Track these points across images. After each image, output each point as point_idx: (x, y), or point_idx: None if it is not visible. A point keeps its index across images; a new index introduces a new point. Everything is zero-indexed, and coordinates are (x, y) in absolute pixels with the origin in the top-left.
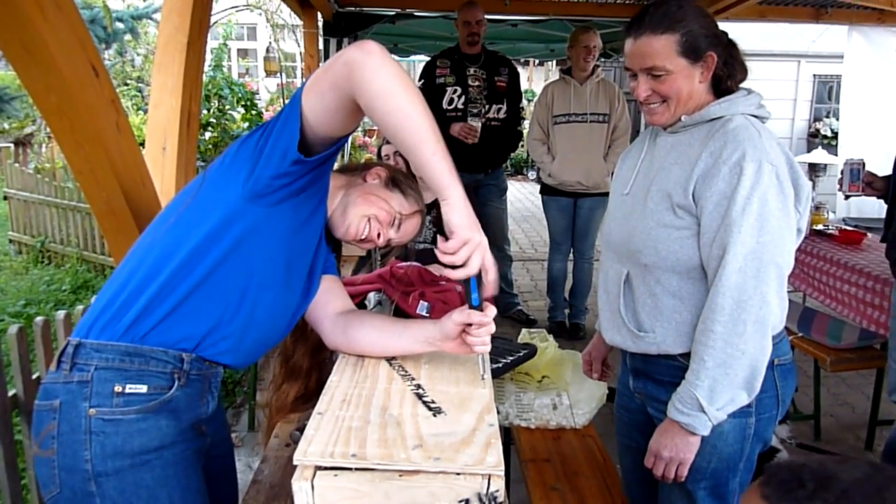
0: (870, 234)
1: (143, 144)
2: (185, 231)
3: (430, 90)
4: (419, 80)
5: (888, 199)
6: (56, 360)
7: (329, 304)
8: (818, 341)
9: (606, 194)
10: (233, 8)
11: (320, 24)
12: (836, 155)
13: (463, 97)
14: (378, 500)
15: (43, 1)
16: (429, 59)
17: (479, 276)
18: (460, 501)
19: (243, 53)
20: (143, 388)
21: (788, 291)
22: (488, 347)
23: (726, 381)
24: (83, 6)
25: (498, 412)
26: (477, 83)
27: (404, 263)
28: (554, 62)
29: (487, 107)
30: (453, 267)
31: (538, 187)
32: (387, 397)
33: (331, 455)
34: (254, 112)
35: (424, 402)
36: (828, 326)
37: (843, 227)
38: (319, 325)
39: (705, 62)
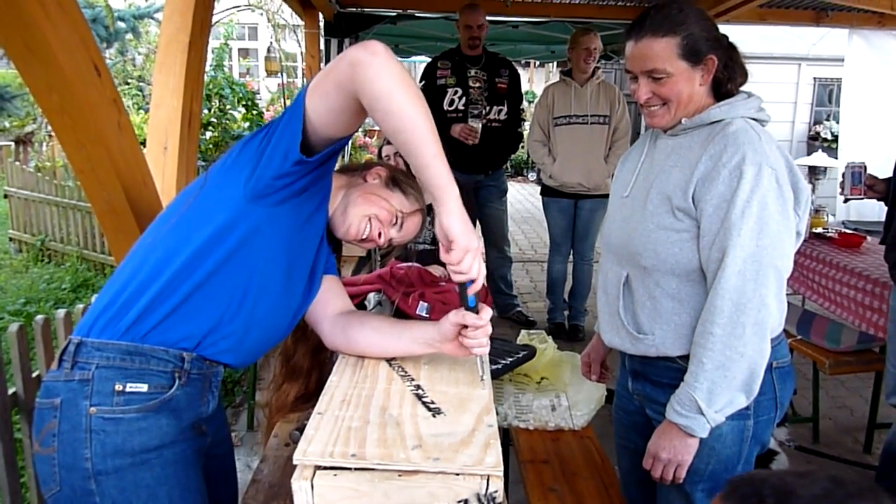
0: (869, 238)
1: (144, 144)
2: (187, 231)
3: (431, 91)
4: (420, 81)
5: (888, 201)
6: (57, 358)
7: (329, 304)
8: (817, 344)
9: (607, 196)
10: (234, 8)
11: (321, 24)
12: (837, 158)
13: (464, 98)
14: (377, 499)
15: (46, 0)
16: (430, 60)
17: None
18: (459, 501)
19: (244, 53)
20: (144, 387)
21: (788, 294)
22: (486, 350)
23: (725, 383)
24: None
25: (497, 413)
26: (478, 84)
27: (404, 264)
28: (555, 64)
29: (488, 108)
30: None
31: (538, 188)
32: (386, 398)
33: (330, 455)
34: (254, 112)
35: (424, 403)
36: (827, 329)
37: (843, 230)
38: (319, 326)
39: (706, 65)
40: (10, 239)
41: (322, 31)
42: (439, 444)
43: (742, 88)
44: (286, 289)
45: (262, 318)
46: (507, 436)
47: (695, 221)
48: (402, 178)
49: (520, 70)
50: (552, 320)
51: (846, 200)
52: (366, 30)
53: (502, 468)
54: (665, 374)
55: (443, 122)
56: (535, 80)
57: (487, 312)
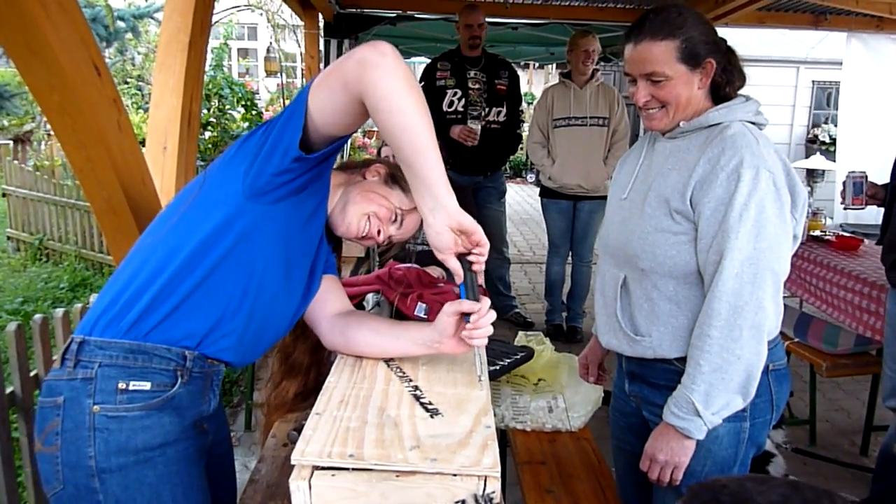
0: (867, 241)
1: (143, 143)
2: (187, 230)
3: (431, 92)
4: (419, 83)
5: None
6: (59, 357)
7: (328, 304)
8: (814, 347)
9: (606, 198)
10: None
11: (321, 25)
12: (835, 161)
13: (463, 100)
14: (375, 500)
15: (46, 0)
16: (429, 61)
17: (467, 275)
18: (457, 502)
19: (244, 53)
20: (147, 386)
21: (785, 297)
22: (485, 338)
23: (722, 385)
24: (85, 5)
25: (494, 414)
26: (477, 86)
27: (403, 265)
28: (554, 65)
29: (487, 109)
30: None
31: (537, 190)
32: (384, 398)
33: (328, 455)
34: (254, 112)
35: (422, 404)
36: (824, 332)
37: (841, 233)
38: (318, 326)
39: (704, 68)
40: (9, 238)
41: (322, 32)
42: (437, 445)
43: (740, 92)
44: (286, 287)
45: (262, 316)
46: (505, 437)
47: (692, 224)
48: (401, 175)
49: (519, 72)
50: (550, 322)
51: (846, 209)
52: (365, 31)
53: (500, 469)
54: (662, 376)
55: (442, 123)
56: (535, 82)
57: (487, 301)
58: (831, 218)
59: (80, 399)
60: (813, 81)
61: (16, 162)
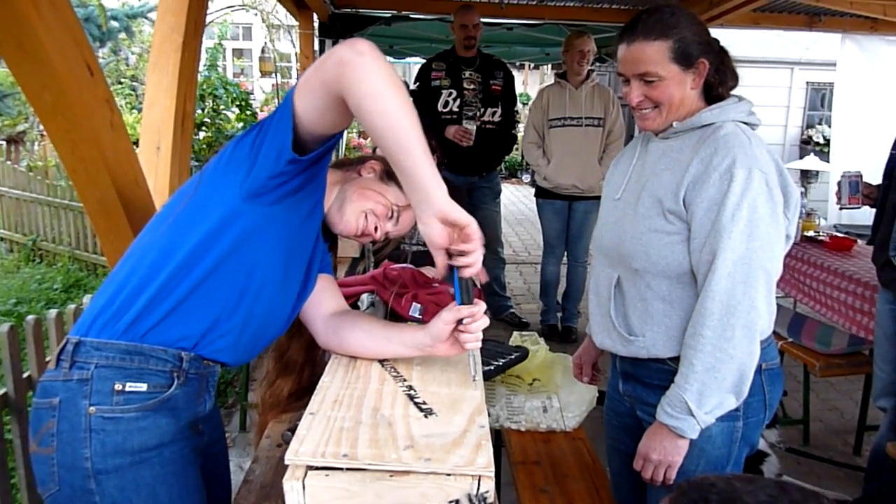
0: (860, 241)
1: (137, 143)
2: (183, 231)
3: (426, 93)
4: (414, 83)
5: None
6: (55, 358)
7: (323, 304)
8: (808, 347)
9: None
10: (228, 7)
11: (316, 25)
12: (829, 162)
13: (458, 100)
14: (369, 500)
15: None
16: (424, 61)
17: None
18: (450, 502)
19: (238, 53)
20: (143, 387)
21: (779, 297)
22: (479, 343)
23: (715, 384)
24: (78, 4)
25: (488, 414)
26: (472, 86)
27: (398, 265)
28: (549, 66)
29: (482, 110)
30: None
31: (532, 190)
32: (378, 398)
33: (322, 455)
34: (248, 112)
35: (416, 403)
36: (817, 332)
37: (834, 233)
38: (312, 325)
39: (697, 69)
40: (2, 239)
41: (317, 32)
42: (431, 445)
43: (734, 92)
44: (283, 287)
45: (259, 316)
46: (499, 437)
47: (686, 224)
48: None
49: (514, 72)
50: (545, 322)
51: (842, 209)
52: (360, 30)
53: (493, 469)
54: (655, 375)
55: (437, 123)
56: (530, 83)
57: (482, 304)
58: (825, 219)
59: (76, 400)
60: (807, 82)
61: (9, 163)
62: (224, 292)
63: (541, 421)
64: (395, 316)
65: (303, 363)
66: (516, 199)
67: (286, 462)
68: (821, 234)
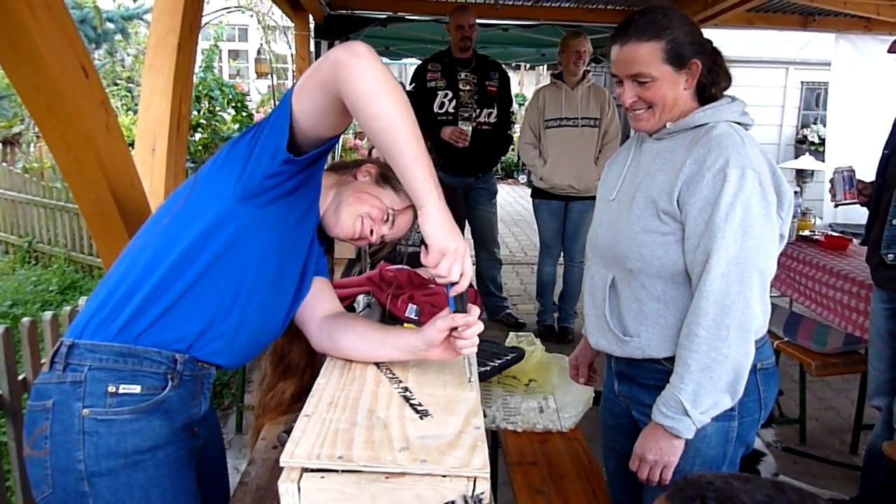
0: (855, 240)
1: (132, 145)
2: (177, 232)
3: (422, 94)
4: (410, 84)
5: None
6: (49, 360)
7: (318, 306)
8: (804, 346)
9: None
10: (224, 9)
11: (312, 26)
12: (824, 161)
13: (454, 101)
14: (364, 501)
15: (33, 1)
16: (420, 62)
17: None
18: (446, 503)
19: (234, 55)
20: (137, 389)
21: (775, 296)
22: (475, 348)
23: (710, 384)
24: (73, 6)
25: (485, 415)
26: (468, 87)
27: (394, 266)
28: (545, 67)
29: (478, 111)
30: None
31: (528, 191)
32: (374, 400)
33: (317, 457)
34: (244, 114)
35: (411, 405)
36: (813, 331)
37: (830, 232)
38: (307, 327)
39: (690, 69)
40: None
41: (312, 34)
42: (426, 446)
43: (728, 92)
44: (277, 289)
45: (253, 318)
46: (496, 438)
47: (680, 224)
48: (392, 174)
49: (510, 73)
50: (542, 323)
51: (837, 206)
52: (356, 32)
53: (489, 470)
54: (651, 375)
55: (433, 124)
56: (526, 83)
57: (476, 310)
58: (820, 218)
59: (70, 402)
60: (802, 82)
61: (4, 164)
62: (218, 293)
63: (537, 421)
64: (391, 317)
65: (304, 366)
66: (512, 200)
67: (281, 464)
68: (816, 233)
